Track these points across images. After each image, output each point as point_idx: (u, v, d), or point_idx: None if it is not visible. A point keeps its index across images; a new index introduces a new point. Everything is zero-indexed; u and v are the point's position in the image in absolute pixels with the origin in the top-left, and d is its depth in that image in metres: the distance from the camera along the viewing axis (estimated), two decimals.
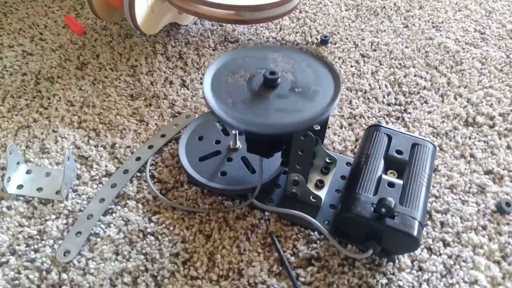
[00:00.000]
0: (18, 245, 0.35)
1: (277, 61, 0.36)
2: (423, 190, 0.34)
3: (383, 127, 0.38)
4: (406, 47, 0.56)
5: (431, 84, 0.51)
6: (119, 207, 0.38)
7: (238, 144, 0.41)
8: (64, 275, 0.33)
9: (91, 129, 0.44)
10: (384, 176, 0.34)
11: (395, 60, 0.54)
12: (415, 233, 0.31)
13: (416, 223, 0.31)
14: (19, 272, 0.33)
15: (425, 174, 0.35)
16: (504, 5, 0.65)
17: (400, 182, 0.34)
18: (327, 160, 0.40)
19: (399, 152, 0.36)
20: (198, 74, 0.51)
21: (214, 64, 0.35)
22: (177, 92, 0.49)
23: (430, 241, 0.37)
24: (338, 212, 0.34)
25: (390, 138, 0.37)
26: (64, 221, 0.37)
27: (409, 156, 0.36)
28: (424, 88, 0.51)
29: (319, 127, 0.38)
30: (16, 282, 0.33)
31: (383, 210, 0.31)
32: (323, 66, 0.36)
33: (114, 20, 0.53)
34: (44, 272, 0.33)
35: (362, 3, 0.63)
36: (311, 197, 0.38)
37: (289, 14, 0.52)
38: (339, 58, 0.54)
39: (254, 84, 0.34)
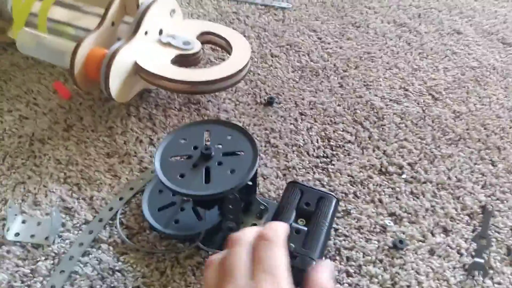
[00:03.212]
0: (15, 282, 0.45)
1: (210, 135, 0.48)
2: (322, 235, 0.45)
3: (298, 183, 0.49)
4: (339, 105, 0.68)
5: (355, 138, 0.63)
6: (94, 249, 0.49)
7: None
8: None
9: (74, 184, 0.55)
10: (293, 224, 0.45)
11: (328, 117, 0.66)
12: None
13: (313, 262, 0.42)
14: None
15: (326, 222, 0.46)
16: (429, 63, 0.77)
17: (305, 229, 0.45)
18: (261, 207, 0.51)
19: (307, 204, 0.47)
20: (164, 133, 0.62)
21: (161, 146, 0.47)
22: (145, 150, 0.60)
23: (336, 272, 0.48)
24: None
25: (302, 192, 0.48)
26: (51, 262, 0.47)
27: (315, 207, 0.47)
28: (349, 142, 0.62)
29: (251, 183, 0.49)
30: None
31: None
32: (246, 136, 0.47)
33: (94, 89, 0.65)
34: None
35: (306, 65, 0.75)
36: None
37: (238, 83, 0.64)
38: (281, 116, 0.66)
39: (193, 158, 0.45)
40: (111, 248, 0.49)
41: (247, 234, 0.34)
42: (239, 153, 0.46)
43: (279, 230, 0.34)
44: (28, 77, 0.71)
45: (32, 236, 0.49)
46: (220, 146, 0.46)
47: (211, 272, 0.33)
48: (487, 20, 0.89)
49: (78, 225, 0.51)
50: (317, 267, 0.36)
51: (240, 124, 0.64)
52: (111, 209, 0.53)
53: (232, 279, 0.30)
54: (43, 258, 0.48)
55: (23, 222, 0.51)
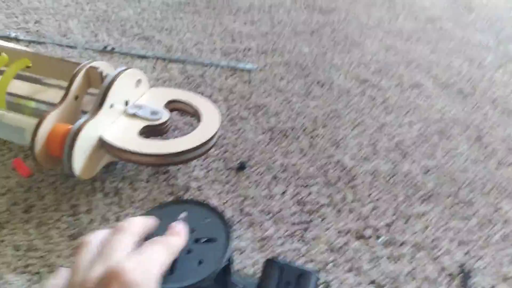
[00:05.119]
0: None
1: (182, 217, 0.45)
2: None
3: (276, 260, 0.47)
4: (311, 166, 0.67)
5: (330, 201, 0.62)
6: None
7: None
8: None
9: (34, 273, 0.51)
10: None
11: (301, 179, 0.65)
12: None
13: None
14: None
15: None
16: (394, 117, 0.79)
17: None
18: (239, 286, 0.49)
19: (287, 283, 0.45)
20: (132, 209, 0.59)
21: None
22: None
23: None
24: None
25: (281, 270, 0.46)
26: None
27: (294, 285, 0.45)
28: (324, 205, 0.61)
29: (227, 262, 0.47)
30: None
31: None
32: (218, 217, 0.45)
33: (57, 165, 0.62)
34: None
35: (276, 126, 0.75)
36: None
37: (206, 153, 0.63)
38: (254, 181, 0.64)
39: None
40: None
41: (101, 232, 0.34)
42: (210, 240, 0.43)
43: (134, 221, 0.35)
44: None
45: None
46: (195, 232, 0.44)
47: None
48: (444, 72, 0.93)
49: None
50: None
51: (213, 193, 0.62)
52: None
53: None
54: None
55: None
